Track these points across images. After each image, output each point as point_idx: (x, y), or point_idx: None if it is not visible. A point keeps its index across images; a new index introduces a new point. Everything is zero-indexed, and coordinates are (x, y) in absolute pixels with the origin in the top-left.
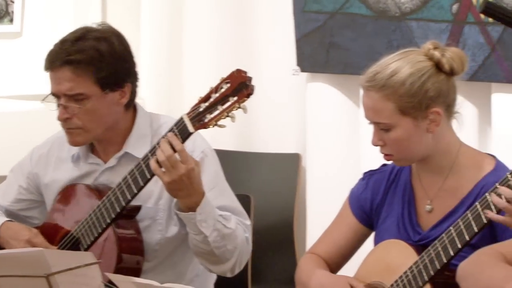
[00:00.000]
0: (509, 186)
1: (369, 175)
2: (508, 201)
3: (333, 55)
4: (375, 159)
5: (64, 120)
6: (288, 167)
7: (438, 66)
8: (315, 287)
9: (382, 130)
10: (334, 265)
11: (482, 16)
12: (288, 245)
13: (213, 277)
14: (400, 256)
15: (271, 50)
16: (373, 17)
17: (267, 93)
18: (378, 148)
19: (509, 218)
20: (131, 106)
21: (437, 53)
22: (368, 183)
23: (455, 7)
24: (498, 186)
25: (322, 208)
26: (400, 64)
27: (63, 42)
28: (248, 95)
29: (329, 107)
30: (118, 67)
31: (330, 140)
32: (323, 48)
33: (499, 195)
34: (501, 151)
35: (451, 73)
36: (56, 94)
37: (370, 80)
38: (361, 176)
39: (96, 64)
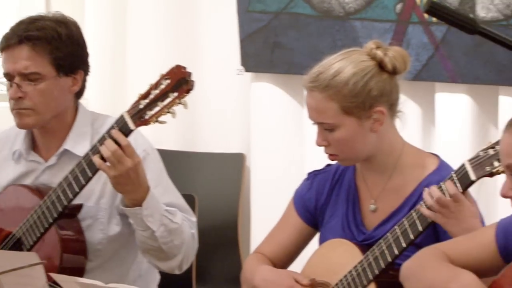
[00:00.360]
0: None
1: (313, 175)
2: (438, 201)
3: (277, 55)
4: (319, 159)
5: (16, 100)
6: (232, 167)
7: (380, 66)
8: (259, 283)
9: (326, 130)
10: (280, 265)
11: (426, 15)
12: (232, 245)
13: (157, 278)
14: (345, 255)
15: (216, 49)
16: (317, 17)
17: (211, 92)
18: (322, 148)
19: (434, 215)
20: (79, 99)
21: (379, 53)
22: (313, 183)
23: (399, 6)
24: (441, 184)
25: (266, 208)
26: (343, 64)
27: (19, 23)
28: (188, 91)
29: (273, 107)
30: (74, 51)
31: (275, 140)
32: (267, 48)
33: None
34: (444, 150)
35: (393, 72)
36: (9, 74)
37: (314, 81)
38: (305, 176)
39: (54, 43)
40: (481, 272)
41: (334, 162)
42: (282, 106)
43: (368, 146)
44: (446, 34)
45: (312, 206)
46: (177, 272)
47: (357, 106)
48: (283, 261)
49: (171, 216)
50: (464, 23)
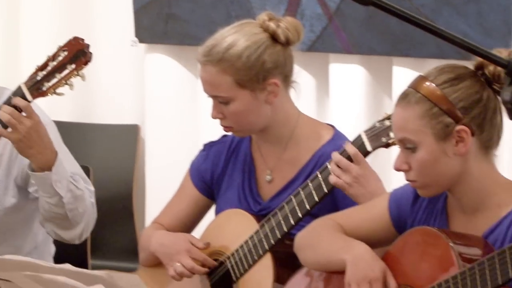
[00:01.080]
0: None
1: (209, 146)
2: (340, 164)
3: (172, 26)
4: (214, 130)
5: None
6: (126, 138)
7: (273, 37)
8: (156, 247)
9: (221, 103)
10: None
11: None
12: (127, 217)
13: (52, 250)
14: (241, 225)
15: (110, 21)
16: None
17: (106, 64)
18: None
19: (338, 180)
20: None
21: (272, 24)
22: (209, 154)
23: None
24: (344, 147)
25: (161, 180)
26: (236, 37)
27: None
28: (86, 63)
29: (167, 78)
30: None
31: (169, 111)
32: (161, 19)
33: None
34: (339, 121)
35: (287, 43)
36: None
37: (207, 55)
38: (200, 147)
39: None
40: (375, 242)
41: (229, 133)
42: (177, 78)
43: (263, 118)
44: (340, 5)
45: (208, 177)
46: (77, 242)
47: (251, 79)
48: (180, 232)
49: (76, 182)
50: None
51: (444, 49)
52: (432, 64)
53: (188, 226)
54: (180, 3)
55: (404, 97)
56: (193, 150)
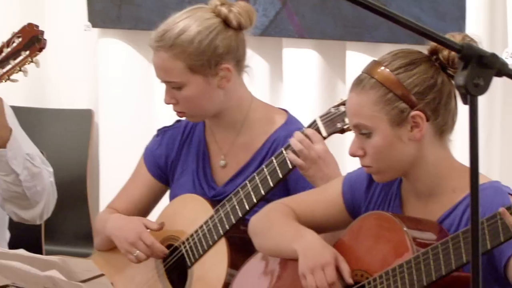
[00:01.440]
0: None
1: (163, 131)
2: (302, 143)
3: (125, 10)
4: (167, 115)
5: None
6: (80, 123)
7: (226, 22)
8: (111, 231)
9: (173, 88)
10: None
11: None
12: (82, 202)
13: (7, 236)
14: (196, 210)
15: (62, 5)
16: None
17: (59, 48)
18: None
19: (299, 160)
20: None
21: (224, 9)
22: (163, 139)
23: None
24: (304, 128)
25: (115, 165)
26: (188, 23)
27: None
28: (40, 49)
29: (121, 63)
30: None
31: (123, 96)
32: (114, 3)
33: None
34: (293, 105)
35: (239, 28)
36: None
37: (159, 40)
38: (154, 132)
39: None
40: (329, 226)
41: (183, 118)
42: (130, 62)
43: (216, 103)
44: None
45: (162, 162)
46: (38, 222)
47: (203, 65)
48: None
49: (33, 160)
50: None
51: (397, 34)
52: (385, 49)
53: (143, 211)
54: None
55: (358, 82)
56: (147, 135)
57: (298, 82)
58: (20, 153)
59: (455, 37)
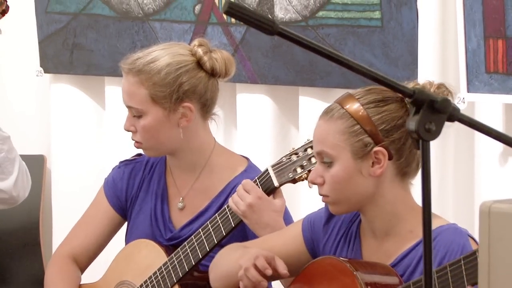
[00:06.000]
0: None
1: (124, 164)
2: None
3: (77, 56)
4: (119, 159)
5: None
6: (33, 168)
7: (199, 63)
8: None
9: (134, 116)
10: (87, 255)
11: (225, 16)
12: (35, 247)
13: None
14: (150, 256)
15: (15, 51)
16: (116, 18)
17: (11, 94)
18: (125, 146)
19: (235, 208)
20: None
21: (200, 50)
22: (125, 173)
23: (197, 7)
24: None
25: (68, 209)
26: (161, 54)
27: None
28: (3, 13)
29: (73, 108)
30: None
31: (75, 141)
32: (66, 49)
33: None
34: (246, 151)
35: (211, 73)
36: None
37: (130, 63)
38: (105, 178)
39: None
40: (290, 267)
41: (142, 153)
42: (82, 107)
43: (173, 140)
44: (245, 35)
45: (123, 196)
46: (14, 194)
47: (165, 97)
48: (91, 250)
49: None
50: (263, 24)
51: (350, 79)
52: (338, 94)
53: (103, 245)
54: (85, 33)
55: (328, 111)
56: (99, 179)
57: (252, 128)
58: None
59: (409, 85)
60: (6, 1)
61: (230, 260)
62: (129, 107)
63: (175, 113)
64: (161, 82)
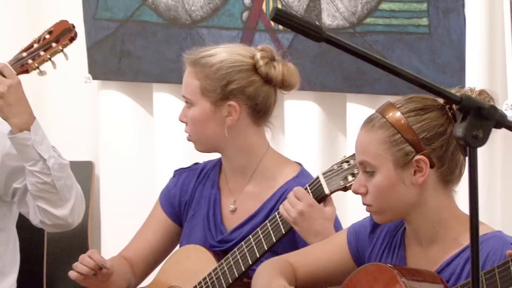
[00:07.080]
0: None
1: (179, 173)
2: (291, 203)
3: (125, 62)
4: (168, 166)
5: None
6: (81, 175)
7: (255, 67)
8: None
9: (187, 108)
10: (146, 263)
11: (272, 23)
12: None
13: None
14: (200, 261)
15: (62, 57)
16: (164, 24)
17: (60, 100)
18: (173, 152)
19: (286, 215)
20: None
21: (259, 55)
22: (178, 181)
23: (245, 14)
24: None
25: (116, 216)
26: (221, 50)
27: None
28: (71, 39)
29: (121, 115)
30: None
31: (123, 147)
32: (114, 55)
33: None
34: (293, 158)
35: (266, 79)
36: None
37: (190, 54)
38: (155, 183)
39: None
40: (334, 277)
41: (201, 162)
42: (130, 114)
43: (218, 137)
44: (293, 42)
45: (176, 203)
46: (70, 221)
47: (214, 91)
48: (150, 259)
49: (59, 152)
50: (310, 30)
51: (397, 86)
52: (385, 100)
53: (159, 254)
54: (133, 40)
55: (369, 121)
56: (147, 186)
57: (299, 134)
58: (46, 140)
59: (472, 92)
60: (75, 29)
61: (259, 284)
62: (184, 96)
63: (220, 109)
64: (212, 75)
